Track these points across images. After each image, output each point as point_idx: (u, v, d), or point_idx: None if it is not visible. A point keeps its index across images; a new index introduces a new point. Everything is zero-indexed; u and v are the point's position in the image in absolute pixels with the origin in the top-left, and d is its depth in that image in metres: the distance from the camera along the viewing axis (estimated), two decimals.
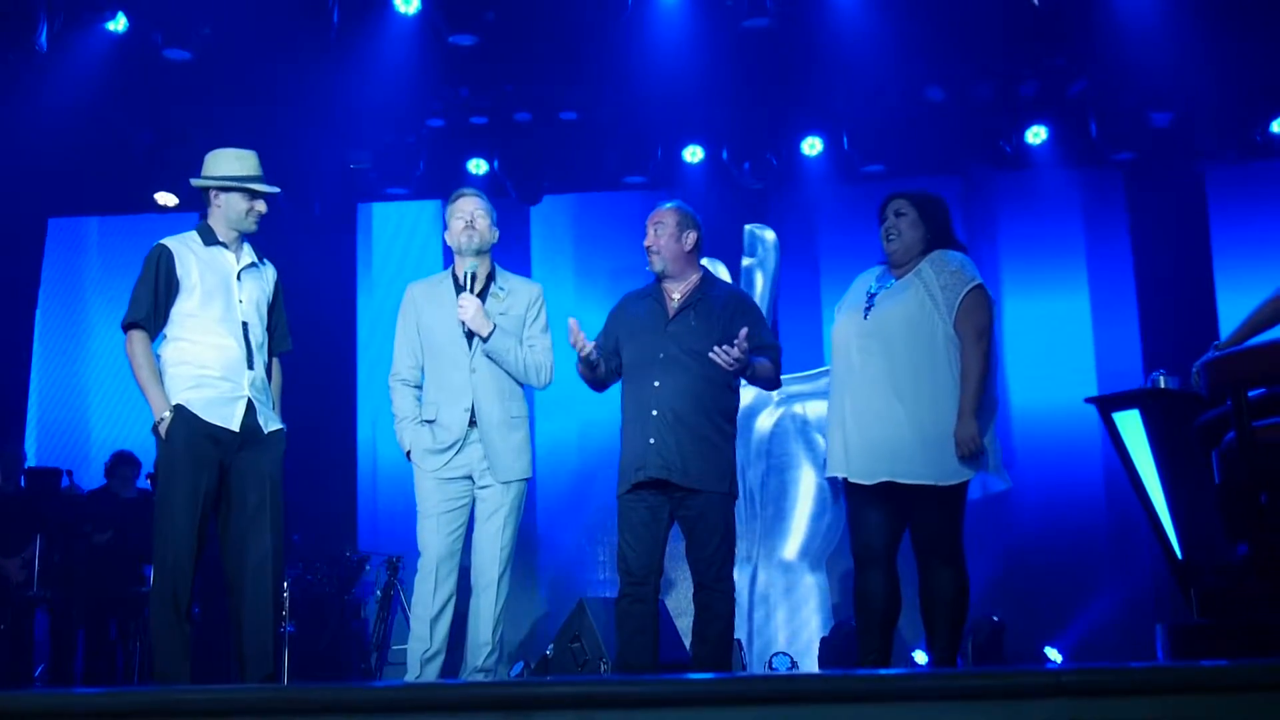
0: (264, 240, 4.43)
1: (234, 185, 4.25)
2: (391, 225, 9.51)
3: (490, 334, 4.36)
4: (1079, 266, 9.06)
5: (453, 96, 8.73)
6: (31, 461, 8.08)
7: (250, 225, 4.31)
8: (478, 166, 9.01)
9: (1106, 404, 5.45)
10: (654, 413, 4.29)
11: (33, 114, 7.90)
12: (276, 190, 4.36)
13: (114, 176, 8.72)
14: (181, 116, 8.37)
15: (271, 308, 4.38)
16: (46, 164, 8.36)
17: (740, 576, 8.46)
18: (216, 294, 4.20)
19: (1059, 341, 8.83)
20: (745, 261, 8.59)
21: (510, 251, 9.21)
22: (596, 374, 4.50)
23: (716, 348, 4.13)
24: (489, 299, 4.45)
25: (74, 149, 8.33)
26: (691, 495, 4.28)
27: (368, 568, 7.82)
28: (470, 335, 4.40)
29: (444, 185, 4.53)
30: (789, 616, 8.44)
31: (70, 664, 7.09)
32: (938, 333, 4.11)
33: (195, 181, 4.33)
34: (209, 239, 4.28)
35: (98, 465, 7.88)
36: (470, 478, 4.42)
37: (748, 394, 8.53)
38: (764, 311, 8.70)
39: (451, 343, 4.43)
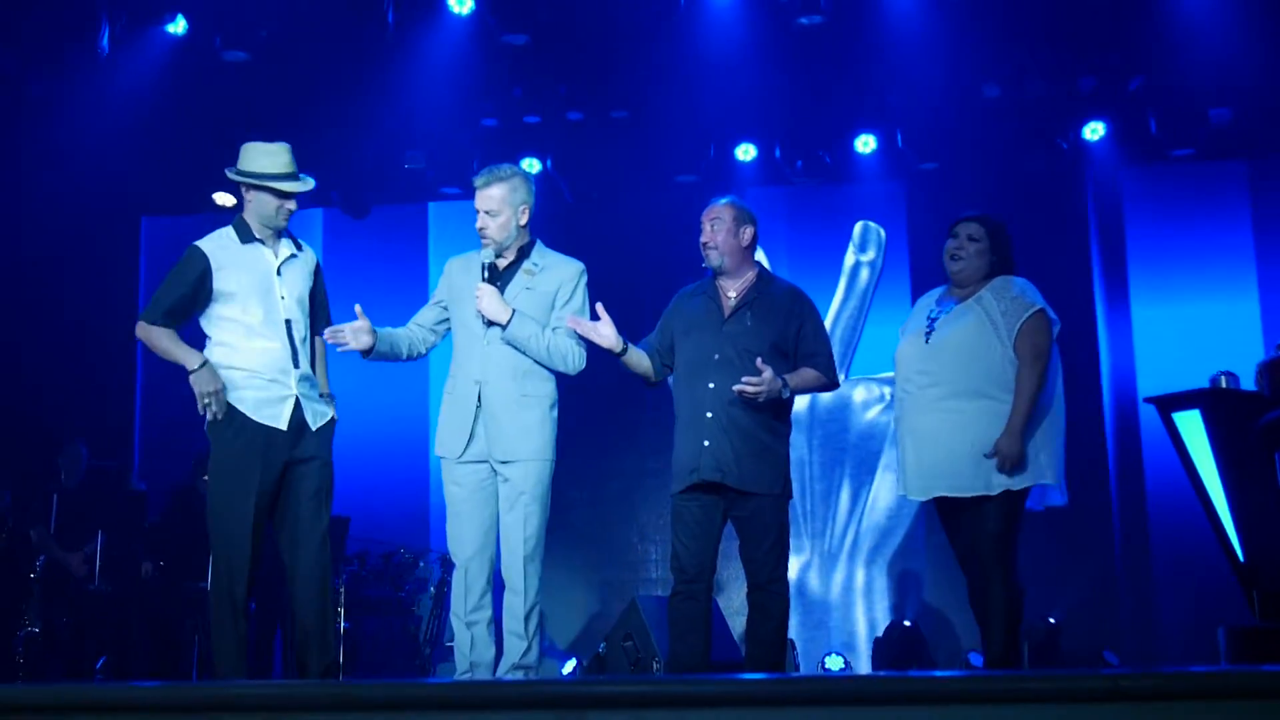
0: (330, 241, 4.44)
1: (259, 184, 4.22)
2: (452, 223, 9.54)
3: (509, 321, 4.21)
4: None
5: (505, 96, 8.76)
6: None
7: (280, 223, 4.27)
8: (531, 166, 9.03)
9: (1166, 404, 5.38)
10: (708, 415, 4.27)
11: (95, 115, 8.03)
12: (308, 187, 4.30)
13: (172, 176, 8.84)
14: (240, 117, 8.48)
15: (313, 292, 4.35)
16: (114, 163, 8.48)
17: (816, 572, 8.50)
18: (257, 296, 4.19)
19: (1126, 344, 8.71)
20: (853, 258, 8.57)
21: (561, 249, 9.22)
22: (634, 367, 4.43)
23: (745, 381, 4.13)
24: (518, 274, 4.31)
25: (139, 149, 8.45)
26: (745, 497, 4.27)
27: (421, 564, 7.89)
28: (489, 324, 4.25)
29: None
30: (847, 615, 8.45)
31: (130, 657, 7.21)
32: (996, 356, 4.20)
33: (229, 174, 4.31)
34: (246, 236, 4.25)
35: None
36: (491, 465, 4.27)
37: (858, 391, 8.58)
38: (864, 310, 8.74)
39: (474, 317, 4.29)
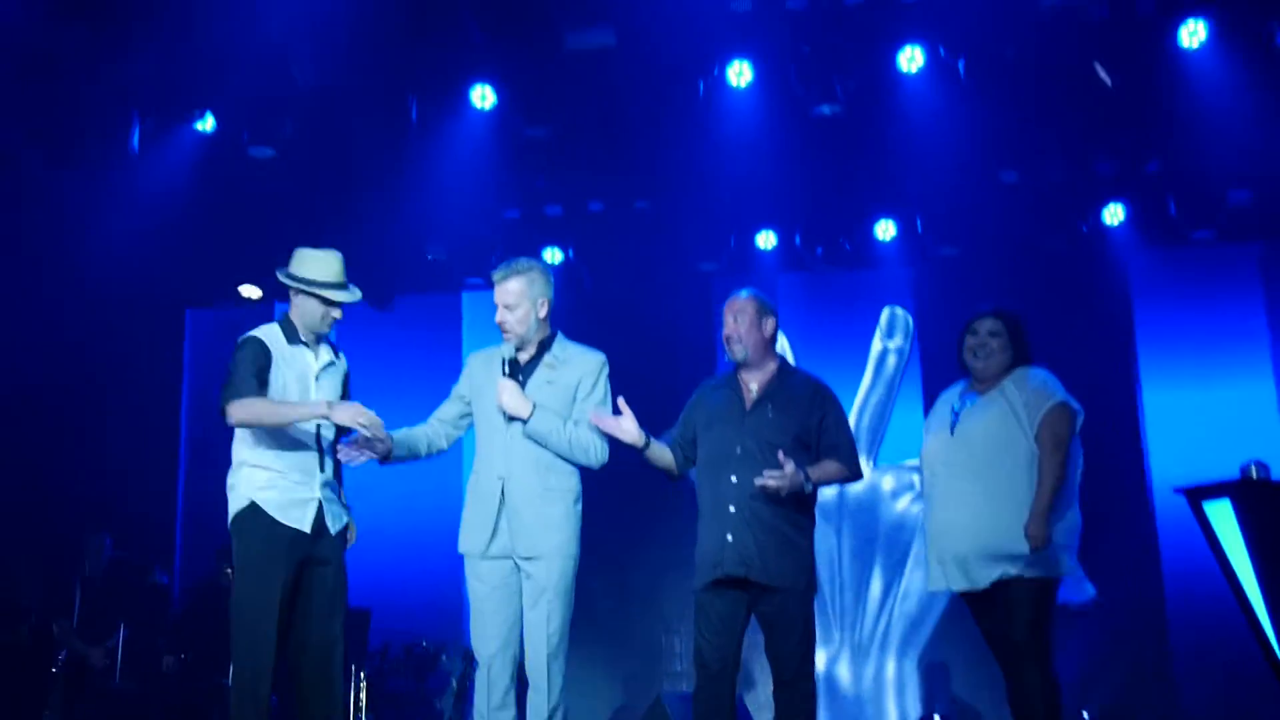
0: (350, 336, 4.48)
1: (309, 290, 4.31)
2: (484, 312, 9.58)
3: (530, 416, 4.19)
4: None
5: (528, 187, 8.85)
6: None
7: (324, 329, 4.37)
8: (553, 256, 9.10)
9: (1196, 494, 5.29)
10: (731, 509, 4.25)
11: (129, 210, 8.14)
12: (355, 298, 4.37)
13: (206, 269, 8.95)
14: (266, 211, 8.60)
15: (341, 400, 4.40)
16: (148, 257, 8.58)
17: (846, 665, 8.36)
18: (295, 397, 4.26)
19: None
20: (880, 344, 8.57)
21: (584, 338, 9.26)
22: (657, 461, 4.41)
23: (758, 480, 4.11)
24: (539, 367, 4.30)
25: (177, 242, 8.57)
26: (769, 592, 4.24)
27: (443, 658, 7.82)
28: (511, 419, 4.23)
29: None
30: (878, 709, 8.32)
31: None
32: (1021, 448, 4.26)
33: (280, 276, 4.38)
34: (291, 336, 4.34)
35: None
36: (514, 561, 4.24)
37: (887, 480, 8.50)
38: (891, 397, 8.70)
39: (495, 412, 4.28)
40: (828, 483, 4.38)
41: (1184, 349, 8.66)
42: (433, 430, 4.45)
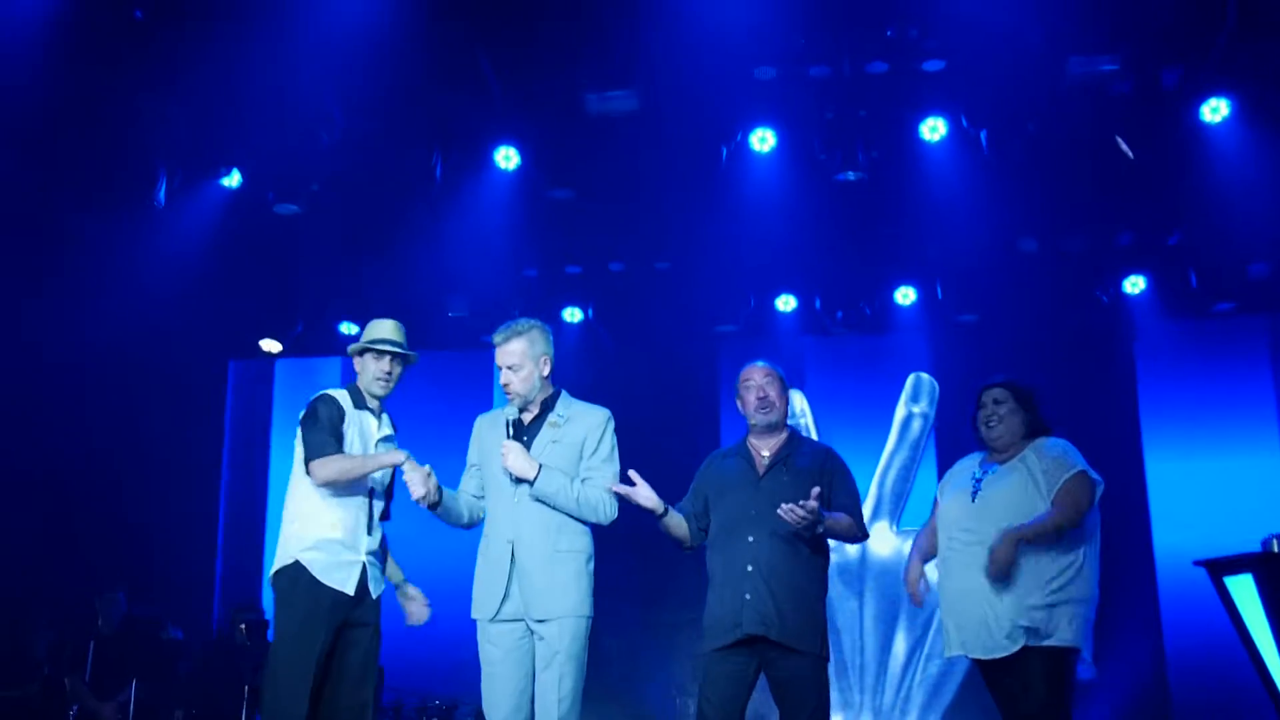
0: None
1: (366, 347, 4.46)
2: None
3: (536, 477, 4.14)
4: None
5: (549, 246, 8.92)
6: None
7: (377, 387, 4.44)
8: (572, 315, 9.14)
9: (1217, 567, 5.24)
10: (749, 568, 4.25)
11: (158, 262, 8.21)
12: (403, 351, 4.45)
13: (232, 321, 9.01)
14: (290, 266, 8.67)
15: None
16: (161, 309, 8.62)
17: None
18: None
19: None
20: (905, 409, 8.58)
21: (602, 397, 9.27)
22: (673, 530, 4.41)
23: (785, 505, 4.10)
24: (544, 427, 4.27)
25: (215, 295, 8.63)
26: (785, 655, 4.20)
27: (455, 716, 7.76)
28: (518, 481, 4.19)
29: None
30: None
31: None
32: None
33: (349, 350, 4.57)
34: (359, 402, 4.45)
35: None
36: (526, 624, 4.17)
37: (907, 545, 8.43)
38: (915, 461, 8.67)
39: (503, 474, 4.22)
40: (836, 532, 4.35)
41: (1194, 419, 8.63)
42: (470, 503, 4.41)
